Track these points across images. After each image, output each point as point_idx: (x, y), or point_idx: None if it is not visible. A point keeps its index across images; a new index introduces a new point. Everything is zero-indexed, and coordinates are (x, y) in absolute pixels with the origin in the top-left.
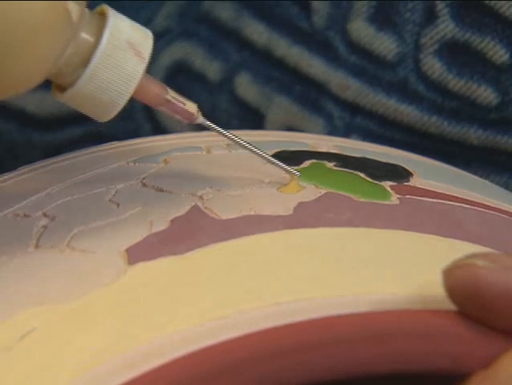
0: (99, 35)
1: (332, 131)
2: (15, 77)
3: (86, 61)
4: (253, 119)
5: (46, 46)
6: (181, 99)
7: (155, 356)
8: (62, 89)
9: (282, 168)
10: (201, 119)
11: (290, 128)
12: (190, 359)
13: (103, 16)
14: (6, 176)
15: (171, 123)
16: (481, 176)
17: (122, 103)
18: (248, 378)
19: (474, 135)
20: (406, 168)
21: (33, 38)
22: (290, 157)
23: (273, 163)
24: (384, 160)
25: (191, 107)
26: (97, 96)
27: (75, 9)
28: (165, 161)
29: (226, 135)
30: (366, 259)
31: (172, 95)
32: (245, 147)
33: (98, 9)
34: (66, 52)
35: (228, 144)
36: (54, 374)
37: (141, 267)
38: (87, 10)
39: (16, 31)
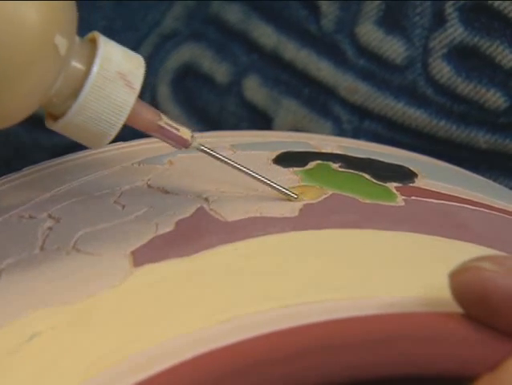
0: (89, 65)
1: (341, 134)
2: (3, 111)
3: (76, 92)
4: (261, 122)
5: (34, 81)
6: (175, 125)
7: (162, 359)
8: (55, 118)
9: (279, 190)
10: (195, 145)
11: (298, 132)
12: (198, 362)
13: (94, 44)
14: (10, 177)
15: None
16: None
17: (113, 133)
18: (254, 381)
19: (483, 139)
20: (411, 168)
21: (20, 74)
22: (295, 158)
23: (271, 186)
24: (388, 161)
25: (185, 132)
26: (88, 127)
27: (62, 43)
28: (170, 162)
29: (223, 160)
30: (372, 261)
31: (165, 121)
32: (244, 172)
33: (89, 36)
34: (56, 84)
35: (232, 145)
36: (62, 377)
37: (147, 269)
38: (77, 38)
39: (3, 68)
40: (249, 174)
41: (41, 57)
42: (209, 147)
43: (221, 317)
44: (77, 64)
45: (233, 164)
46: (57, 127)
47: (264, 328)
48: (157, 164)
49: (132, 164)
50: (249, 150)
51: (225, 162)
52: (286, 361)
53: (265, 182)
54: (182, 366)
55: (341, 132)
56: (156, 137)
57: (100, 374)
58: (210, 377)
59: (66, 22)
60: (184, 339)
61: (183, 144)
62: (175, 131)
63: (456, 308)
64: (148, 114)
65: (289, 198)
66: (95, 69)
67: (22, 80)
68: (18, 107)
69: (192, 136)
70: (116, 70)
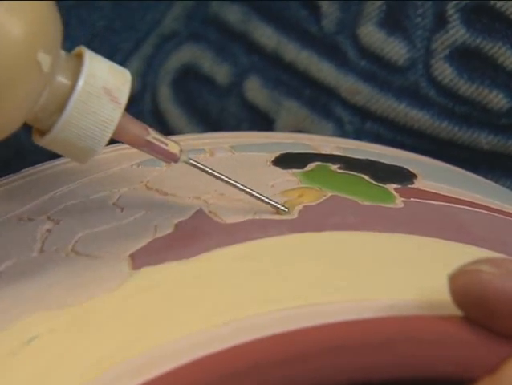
0: (74, 81)
1: (342, 136)
2: None
3: (61, 107)
4: (262, 123)
5: (17, 99)
6: (163, 139)
7: (161, 362)
8: (42, 133)
9: (270, 204)
10: (184, 159)
11: (299, 133)
12: (197, 365)
13: (80, 59)
14: (9, 178)
15: (179, 125)
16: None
17: (99, 148)
18: (254, 384)
19: (485, 140)
20: (410, 169)
21: (3, 92)
22: (294, 160)
23: (262, 200)
24: (387, 162)
25: (173, 147)
26: (74, 142)
27: (45, 59)
28: (168, 164)
29: (213, 175)
30: (371, 264)
31: (153, 135)
32: (234, 186)
33: (76, 50)
34: (41, 99)
35: (231, 146)
36: (60, 380)
37: (146, 272)
38: (63, 53)
39: None
40: (241, 188)
41: (23, 75)
42: (197, 161)
43: (221, 319)
44: (62, 79)
45: (224, 178)
46: (43, 142)
47: (263, 331)
48: (156, 166)
49: (131, 166)
50: (248, 151)
51: (215, 176)
52: (286, 364)
53: (256, 196)
54: (181, 369)
55: (343, 134)
56: (145, 151)
57: (99, 377)
58: (209, 380)
59: (49, 38)
60: (183, 342)
61: (171, 158)
62: (163, 146)
63: (455, 311)
64: (136, 129)
65: (280, 212)
66: (80, 84)
67: (5, 97)
68: (1, 123)
69: (180, 150)
70: (102, 86)
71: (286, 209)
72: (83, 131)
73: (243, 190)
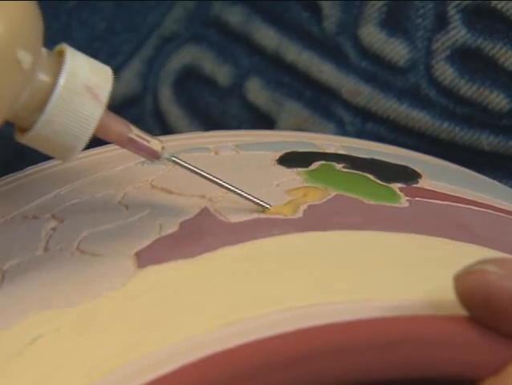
0: (55, 78)
1: (344, 136)
2: None
3: (42, 105)
4: (263, 124)
5: None
6: (146, 136)
7: (166, 362)
8: (24, 131)
9: (253, 201)
10: (166, 156)
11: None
12: (201, 365)
13: (61, 56)
14: (13, 176)
15: (180, 126)
16: None
17: (80, 146)
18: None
19: (486, 141)
20: (415, 169)
21: None
22: (299, 159)
23: (245, 197)
24: (392, 161)
25: (155, 144)
26: (55, 140)
27: (26, 58)
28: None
29: (195, 172)
30: (376, 264)
31: (136, 132)
32: (219, 184)
33: (57, 48)
34: (22, 97)
35: (236, 145)
36: (65, 380)
37: (151, 271)
38: (44, 50)
39: None
40: (223, 185)
41: (3, 73)
42: (180, 158)
43: (225, 320)
44: (44, 77)
45: (206, 176)
46: (25, 139)
47: (268, 331)
48: (161, 165)
49: (136, 164)
50: (253, 150)
51: (197, 173)
52: (290, 364)
53: (239, 193)
54: (186, 369)
55: (344, 134)
56: (127, 149)
57: (104, 377)
58: (213, 380)
59: (29, 36)
60: (187, 342)
61: (153, 156)
62: (145, 143)
63: (460, 311)
64: (118, 126)
65: (263, 210)
66: (60, 82)
67: None
68: None
69: (162, 148)
70: (83, 84)
71: (269, 206)
72: (64, 128)
73: (225, 187)
